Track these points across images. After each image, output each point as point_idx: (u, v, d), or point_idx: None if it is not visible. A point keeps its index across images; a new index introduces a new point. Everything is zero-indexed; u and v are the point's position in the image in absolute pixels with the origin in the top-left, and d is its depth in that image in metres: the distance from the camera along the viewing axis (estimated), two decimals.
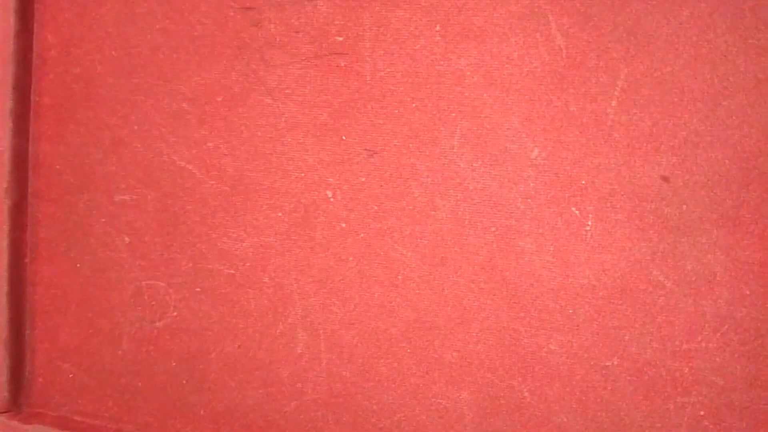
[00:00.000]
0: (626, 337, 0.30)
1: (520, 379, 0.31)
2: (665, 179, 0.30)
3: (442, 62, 0.32)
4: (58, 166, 0.37)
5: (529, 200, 0.31)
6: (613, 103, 0.30)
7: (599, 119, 0.30)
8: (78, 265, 0.37)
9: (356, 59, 0.33)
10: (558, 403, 0.31)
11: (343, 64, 0.33)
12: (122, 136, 0.36)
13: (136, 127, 0.36)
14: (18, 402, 0.38)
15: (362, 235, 0.33)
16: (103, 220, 0.36)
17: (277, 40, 0.33)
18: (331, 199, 0.33)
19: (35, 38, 0.37)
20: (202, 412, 0.35)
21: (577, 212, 0.30)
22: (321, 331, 0.33)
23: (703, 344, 0.29)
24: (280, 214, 0.34)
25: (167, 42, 0.35)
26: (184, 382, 0.35)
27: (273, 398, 0.34)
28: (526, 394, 0.31)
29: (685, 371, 0.30)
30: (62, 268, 0.37)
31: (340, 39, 0.33)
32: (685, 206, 0.29)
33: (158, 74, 0.35)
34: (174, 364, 0.36)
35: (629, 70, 0.30)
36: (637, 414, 0.30)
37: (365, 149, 0.33)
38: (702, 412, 0.29)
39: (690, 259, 0.29)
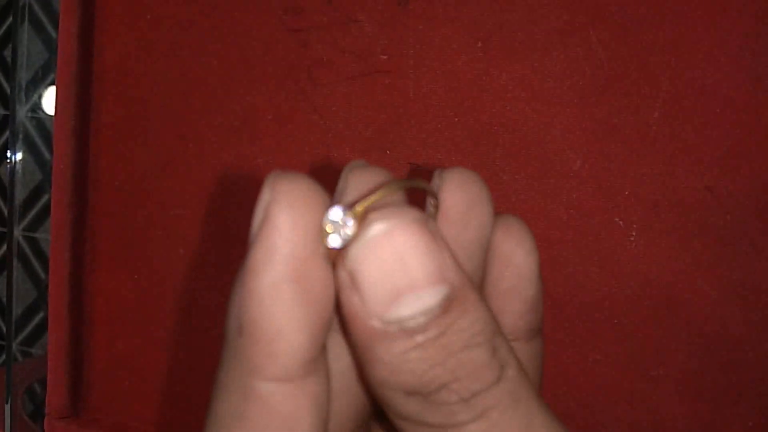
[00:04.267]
0: (672, 347, 0.30)
1: (565, 388, 0.31)
2: (709, 189, 0.29)
3: (483, 78, 0.32)
4: (116, 182, 0.38)
5: (572, 211, 0.31)
6: (656, 114, 0.30)
7: (642, 130, 0.30)
8: (135, 276, 0.38)
9: (400, 77, 0.33)
10: (603, 414, 0.31)
11: (387, 82, 0.33)
12: (177, 153, 0.37)
13: (190, 145, 0.37)
14: (76, 408, 0.39)
15: None
16: (160, 233, 0.37)
17: (324, 60, 0.34)
18: None
19: (95, 62, 0.38)
20: None
21: (620, 223, 0.30)
22: None
23: (751, 354, 0.29)
24: None
25: (220, 63, 0.36)
26: None
27: None
28: (572, 404, 0.31)
29: (733, 381, 0.29)
30: (120, 280, 0.38)
31: (385, 58, 0.33)
32: (729, 216, 0.29)
33: (211, 94, 0.36)
34: None
35: (671, 82, 0.30)
36: (684, 424, 0.30)
37: (409, 163, 0.33)
38: (750, 423, 0.29)
39: (735, 268, 0.29)
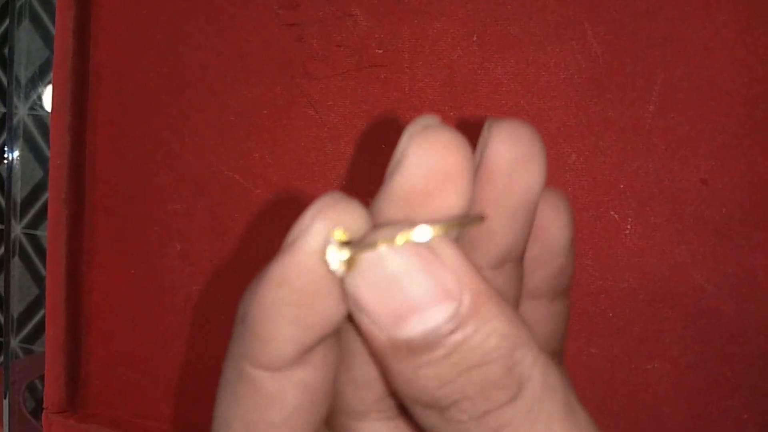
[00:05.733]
0: (667, 341, 0.30)
1: None
2: (704, 182, 0.29)
3: (479, 71, 0.32)
4: (113, 178, 0.38)
5: None
6: (651, 107, 0.30)
7: (637, 124, 0.30)
8: (132, 271, 0.38)
9: (395, 71, 0.33)
10: (599, 407, 0.31)
11: (382, 76, 0.33)
12: (174, 148, 0.37)
13: (186, 140, 0.37)
14: (74, 403, 0.39)
15: None
16: (156, 228, 0.37)
17: (320, 54, 0.34)
18: None
19: (92, 57, 0.38)
20: None
21: (616, 216, 0.30)
22: None
23: (746, 347, 0.29)
24: None
25: (216, 59, 0.36)
26: None
27: None
28: None
29: (728, 374, 0.29)
30: (117, 275, 0.38)
31: (380, 51, 0.33)
32: (724, 209, 0.29)
33: (207, 90, 0.36)
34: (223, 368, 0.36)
35: (666, 75, 0.30)
36: (679, 417, 0.30)
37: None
38: (745, 416, 0.29)
39: (730, 261, 0.29)
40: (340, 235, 0.12)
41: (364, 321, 0.12)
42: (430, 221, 0.12)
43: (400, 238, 0.12)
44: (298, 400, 0.13)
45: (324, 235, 0.12)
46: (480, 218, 0.14)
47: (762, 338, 0.29)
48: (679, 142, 0.30)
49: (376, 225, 0.13)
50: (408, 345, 0.12)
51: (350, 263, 0.12)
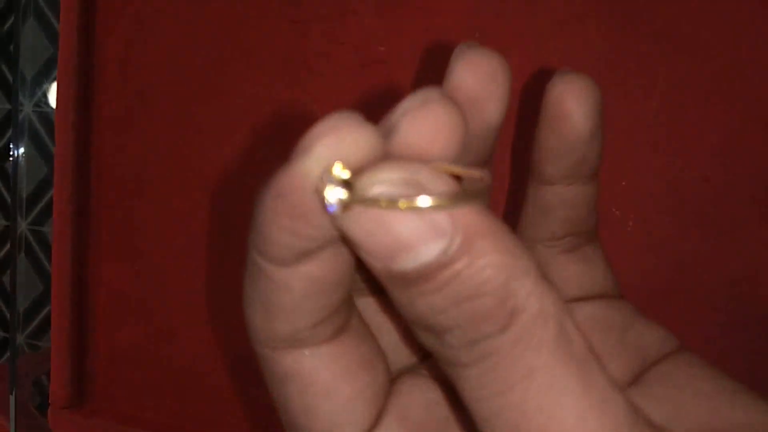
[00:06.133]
0: None
1: None
2: (706, 179, 0.29)
3: None
4: (118, 174, 0.38)
5: None
6: (654, 104, 0.30)
7: (639, 121, 0.30)
8: (137, 267, 0.38)
9: (398, 67, 0.33)
10: None
11: (385, 73, 0.33)
12: (177, 144, 0.37)
13: (190, 136, 0.37)
14: (80, 398, 0.40)
15: None
16: (161, 224, 0.38)
17: (323, 50, 0.34)
18: None
19: (96, 54, 0.39)
20: (257, 408, 0.36)
21: (617, 213, 0.30)
22: None
23: (748, 345, 0.29)
24: None
25: (219, 55, 0.36)
26: (240, 380, 0.37)
27: None
28: None
29: (729, 373, 0.29)
30: (122, 271, 0.39)
31: (383, 48, 0.33)
32: (726, 206, 0.29)
33: (211, 86, 0.36)
34: (229, 362, 0.37)
35: (669, 73, 0.30)
36: None
37: None
38: None
39: (732, 258, 0.29)
40: (338, 169, 0.12)
41: (359, 252, 0.13)
42: (436, 185, 0.12)
43: (403, 204, 0.12)
44: (305, 290, 0.14)
45: (321, 162, 0.12)
46: (484, 188, 0.13)
47: (764, 336, 0.29)
48: (682, 139, 0.30)
49: (382, 160, 0.13)
50: (402, 277, 0.12)
51: (344, 205, 0.12)
